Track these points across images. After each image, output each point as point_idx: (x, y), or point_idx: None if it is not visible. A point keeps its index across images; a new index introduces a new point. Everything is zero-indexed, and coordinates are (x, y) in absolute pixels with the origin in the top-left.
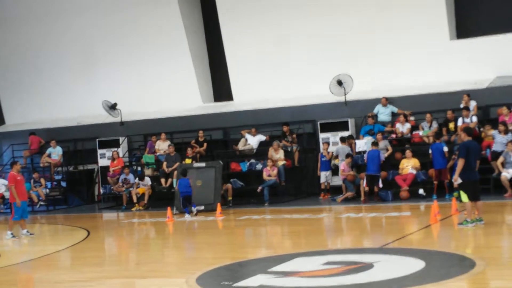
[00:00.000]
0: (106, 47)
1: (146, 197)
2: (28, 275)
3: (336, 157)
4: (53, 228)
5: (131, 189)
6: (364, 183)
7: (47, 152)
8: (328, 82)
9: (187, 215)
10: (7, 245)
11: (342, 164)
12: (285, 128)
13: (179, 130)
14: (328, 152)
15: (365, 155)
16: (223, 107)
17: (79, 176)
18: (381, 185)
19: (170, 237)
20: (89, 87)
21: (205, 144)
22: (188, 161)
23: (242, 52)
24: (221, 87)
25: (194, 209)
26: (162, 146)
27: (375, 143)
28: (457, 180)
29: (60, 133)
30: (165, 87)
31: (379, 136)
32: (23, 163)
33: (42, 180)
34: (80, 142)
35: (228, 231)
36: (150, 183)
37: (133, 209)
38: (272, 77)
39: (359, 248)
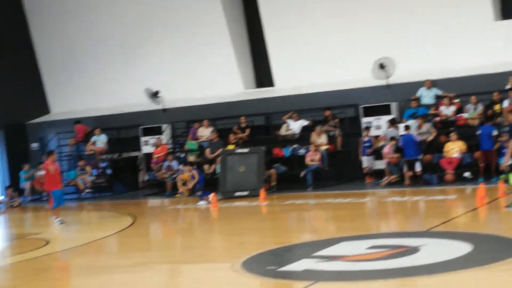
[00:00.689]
0: (148, 35)
1: (190, 184)
2: (76, 261)
3: (381, 140)
4: (99, 215)
5: (174, 175)
6: (405, 168)
7: (92, 140)
8: (370, 65)
9: (202, 202)
10: (55, 232)
11: (386, 147)
12: (327, 113)
13: (222, 116)
14: (373, 136)
15: (400, 141)
16: (265, 93)
17: (123, 163)
18: (418, 169)
19: (214, 223)
20: (132, 75)
21: (247, 130)
22: (230, 147)
23: (283, 38)
24: (262, 73)
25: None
26: (205, 132)
27: (407, 127)
28: (508, 162)
29: (104, 121)
30: (207, 73)
31: (420, 119)
32: (69, 151)
33: (88, 168)
34: (124, 129)
35: (272, 216)
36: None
37: (177, 195)
38: (313, 62)
39: (404, 232)
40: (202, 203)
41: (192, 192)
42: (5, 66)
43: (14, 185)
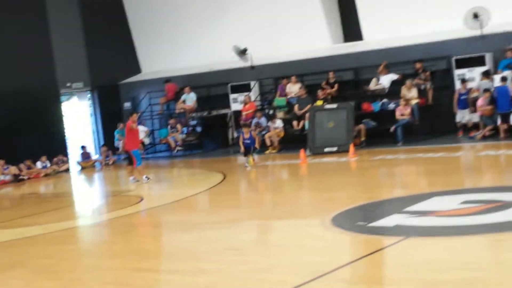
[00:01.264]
0: None
1: (275, 140)
2: (168, 217)
3: (475, 92)
4: (190, 172)
5: (263, 132)
6: (499, 121)
7: (182, 98)
8: (463, 15)
9: (247, 165)
10: (148, 189)
11: (480, 100)
12: (417, 66)
13: (310, 72)
14: (468, 89)
15: (495, 92)
16: (353, 47)
17: (213, 121)
18: None
19: (304, 179)
20: (220, 33)
21: (336, 85)
22: (319, 102)
23: None
24: (350, 27)
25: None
26: (293, 88)
27: (504, 79)
28: None
29: (193, 80)
30: (294, 29)
31: None
32: (160, 110)
33: (178, 126)
34: (213, 87)
35: (361, 171)
36: (282, 125)
37: (267, 151)
38: (402, 13)
39: (499, 186)
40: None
41: (280, 149)
42: (98, 29)
43: (108, 144)
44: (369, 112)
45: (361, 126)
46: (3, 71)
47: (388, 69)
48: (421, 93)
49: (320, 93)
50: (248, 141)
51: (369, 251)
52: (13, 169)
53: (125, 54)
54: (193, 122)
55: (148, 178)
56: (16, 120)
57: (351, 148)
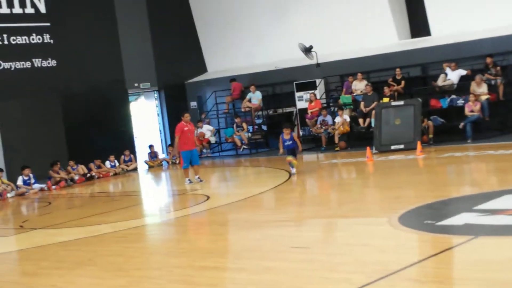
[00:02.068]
0: None
1: (336, 137)
2: (235, 215)
3: None
4: (257, 171)
5: (329, 130)
6: None
7: (247, 97)
8: None
9: (292, 169)
10: (214, 188)
11: None
12: (488, 60)
13: (376, 69)
14: None
15: None
16: (421, 42)
17: (278, 119)
18: None
19: (370, 177)
20: (285, 31)
21: (402, 82)
22: (385, 99)
23: None
24: (417, 22)
25: (292, 170)
26: (359, 86)
27: None
28: None
29: (258, 78)
30: (360, 25)
31: None
32: (225, 108)
33: (244, 125)
34: (278, 85)
35: (429, 169)
36: (348, 120)
37: (337, 149)
38: (471, 7)
39: None
40: (292, 171)
41: (346, 147)
42: (164, 30)
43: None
44: (437, 109)
45: (429, 123)
46: (73, 72)
47: (457, 64)
48: (491, 88)
49: (386, 90)
50: (289, 143)
51: (437, 250)
52: (81, 169)
53: (191, 53)
54: (259, 121)
55: (190, 182)
56: (85, 121)
57: (419, 145)
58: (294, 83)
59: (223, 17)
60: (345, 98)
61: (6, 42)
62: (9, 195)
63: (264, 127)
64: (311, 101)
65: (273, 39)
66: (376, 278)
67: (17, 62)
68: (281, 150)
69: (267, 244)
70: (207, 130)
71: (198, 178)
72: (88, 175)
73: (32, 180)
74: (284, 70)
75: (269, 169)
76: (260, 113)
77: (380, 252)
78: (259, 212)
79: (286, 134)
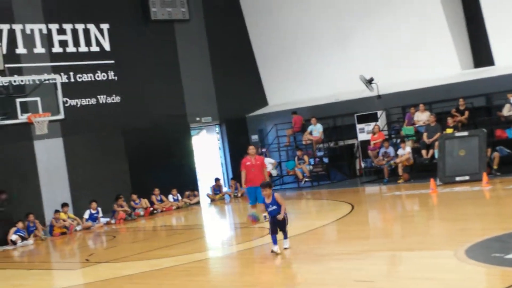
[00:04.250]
0: (357, 22)
1: (400, 169)
2: (297, 248)
3: None
4: (318, 203)
5: (391, 162)
6: None
7: (308, 129)
8: None
9: (274, 246)
10: None
11: None
12: None
13: (438, 99)
14: None
15: None
16: (484, 72)
17: (340, 151)
18: None
19: (435, 209)
20: (345, 63)
21: (466, 112)
22: (449, 130)
23: (502, 12)
24: (480, 52)
25: (284, 242)
26: (421, 117)
27: None
28: None
29: (319, 111)
30: (421, 56)
31: None
32: (286, 141)
33: (305, 157)
34: (339, 118)
35: (496, 200)
36: (410, 151)
37: (400, 181)
38: None
39: None
40: (275, 248)
41: (409, 178)
42: (225, 64)
43: (237, 177)
44: (503, 139)
45: (495, 154)
46: (136, 108)
47: None
48: None
49: (450, 120)
50: (272, 208)
51: (506, 284)
52: (144, 202)
53: (252, 87)
54: (320, 153)
55: (266, 218)
56: (148, 155)
57: (484, 176)
58: (355, 115)
59: (283, 50)
60: (407, 130)
61: (72, 80)
62: (76, 229)
63: (326, 160)
64: (374, 133)
65: (333, 71)
66: None
67: (83, 99)
68: (258, 215)
69: (330, 277)
70: (268, 163)
71: (265, 216)
72: (151, 209)
73: (100, 214)
74: (345, 102)
75: (331, 202)
76: (321, 145)
77: (446, 286)
78: (321, 245)
79: (267, 197)
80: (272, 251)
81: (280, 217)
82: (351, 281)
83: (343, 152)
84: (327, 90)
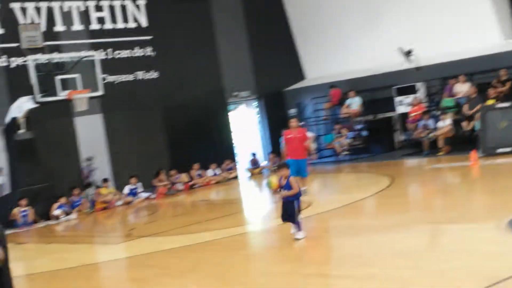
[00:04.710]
0: None
1: (441, 142)
2: (336, 222)
3: None
4: (357, 177)
5: (431, 134)
6: None
7: (347, 103)
8: None
9: (299, 233)
10: (315, 194)
11: None
12: None
13: (479, 70)
14: None
15: None
16: None
17: (378, 124)
18: None
19: (476, 181)
20: (383, 34)
21: (508, 83)
22: (490, 102)
23: None
24: None
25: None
26: (462, 88)
27: None
28: None
29: (357, 84)
30: (461, 25)
31: None
32: (325, 115)
33: (344, 131)
34: (378, 90)
35: None
36: (451, 123)
37: (441, 153)
38: None
39: None
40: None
41: (449, 151)
42: (262, 38)
43: (275, 151)
44: None
45: None
46: (174, 84)
47: None
48: None
49: (491, 91)
50: (285, 191)
51: None
52: (184, 177)
53: (289, 61)
54: (359, 126)
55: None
56: (186, 131)
57: None
58: (394, 87)
59: (320, 23)
60: (447, 102)
61: (110, 56)
62: (117, 203)
63: (364, 133)
64: (413, 105)
65: (371, 43)
66: (487, 285)
67: (121, 75)
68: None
69: (371, 251)
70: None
71: (303, 190)
72: (190, 183)
73: (139, 189)
74: (384, 75)
75: (370, 175)
76: (359, 118)
77: (489, 258)
78: (362, 218)
79: (283, 178)
80: (295, 238)
81: (284, 194)
82: (392, 254)
83: (381, 125)
84: (365, 62)
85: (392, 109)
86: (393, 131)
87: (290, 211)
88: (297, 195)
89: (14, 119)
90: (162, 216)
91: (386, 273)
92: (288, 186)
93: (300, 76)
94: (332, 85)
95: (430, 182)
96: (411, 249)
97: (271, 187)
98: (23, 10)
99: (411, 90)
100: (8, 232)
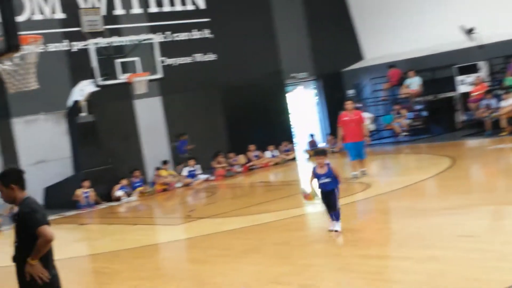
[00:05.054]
0: None
1: (503, 122)
2: (395, 204)
3: None
4: (417, 158)
5: (493, 114)
6: None
7: (406, 83)
8: None
9: (337, 224)
10: (375, 176)
11: None
12: None
13: None
14: None
15: None
16: None
17: (439, 104)
18: None
19: None
20: (442, 13)
21: None
22: None
23: None
24: None
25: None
26: None
27: None
28: None
29: (417, 63)
30: None
31: None
32: (384, 95)
33: (403, 111)
34: (438, 70)
35: None
36: None
37: (504, 133)
38: None
39: None
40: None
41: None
42: (320, 19)
43: (334, 132)
44: None
45: None
46: (232, 65)
47: None
48: None
49: None
50: (325, 180)
51: None
52: (242, 159)
53: (348, 41)
54: (418, 107)
55: (355, 175)
56: (244, 113)
57: None
58: (455, 66)
59: (379, 2)
60: (510, 80)
61: (169, 39)
62: (176, 185)
63: (424, 113)
64: (475, 85)
65: (431, 22)
66: None
67: (180, 58)
68: (309, 194)
69: (431, 232)
70: (366, 118)
71: (363, 171)
72: (249, 165)
73: (198, 171)
74: (444, 54)
75: (431, 156)
76: (419, 99)
77: None
78: (422, 199)
79: (319, 167)
80: (330, 230)
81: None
82: (454, 236)
83: (442, 105)
84: (425, 41)
85: (453, 88)
86: (454, 111)
87: (333, 199)
88: (337, 183)
89: (76, 102)
90: (221, 198)
91: (447, 255)
92: (330, 175)
93: (358, 56)
94: (391, 65)
95: (492, 163)
96: (473, 231)
97: (310, 199)
98: None
99: (473, 69)
100: (71, 213)
